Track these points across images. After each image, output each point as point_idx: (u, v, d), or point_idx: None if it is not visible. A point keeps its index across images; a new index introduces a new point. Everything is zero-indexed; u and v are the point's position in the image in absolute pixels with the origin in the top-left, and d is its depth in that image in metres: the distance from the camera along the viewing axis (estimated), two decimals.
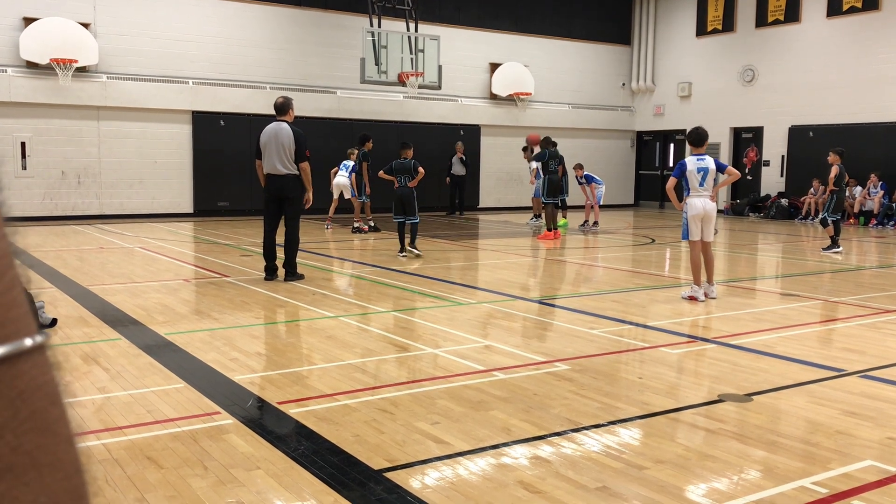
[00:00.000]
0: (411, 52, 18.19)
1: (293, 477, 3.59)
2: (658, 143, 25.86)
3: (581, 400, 4.81)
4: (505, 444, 4.03)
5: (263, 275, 9.52)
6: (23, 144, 17.13)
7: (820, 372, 5.54)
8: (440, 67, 18.50)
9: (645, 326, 7.17)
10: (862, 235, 17.12)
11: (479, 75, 23.00)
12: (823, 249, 13.39)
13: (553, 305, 8.34)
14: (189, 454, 3.85)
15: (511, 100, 23.09)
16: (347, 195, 15.65)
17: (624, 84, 25.81)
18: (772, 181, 22.27)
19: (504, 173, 23.44)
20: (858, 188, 19.40)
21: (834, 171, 13.23)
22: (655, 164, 25.99)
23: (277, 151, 9.11)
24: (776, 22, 21.89)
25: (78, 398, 4.71)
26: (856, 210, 19.46)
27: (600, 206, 17.74)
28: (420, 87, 18.53)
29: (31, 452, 0.53)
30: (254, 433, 4.16)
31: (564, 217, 17.33)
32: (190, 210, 19.13)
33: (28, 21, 16.88)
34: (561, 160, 15.62)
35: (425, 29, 19.27)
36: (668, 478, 3.62)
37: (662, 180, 24.70)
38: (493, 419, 4.42)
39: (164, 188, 18.83)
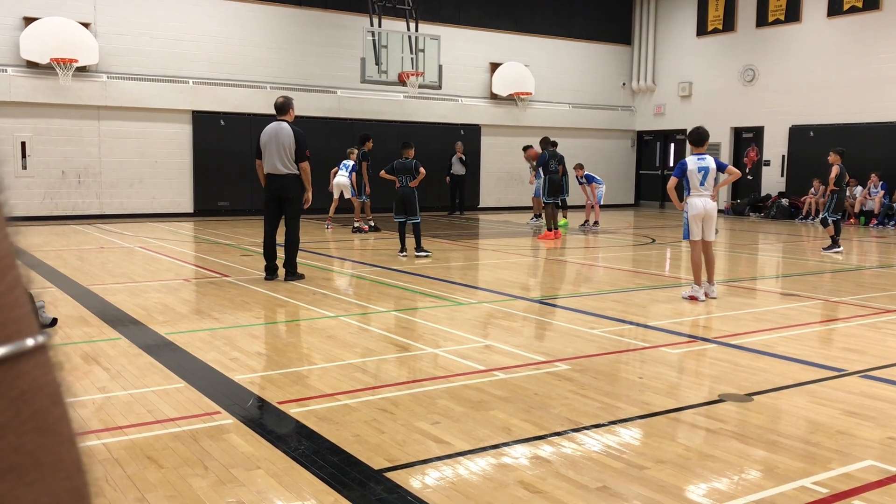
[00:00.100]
0: (412, 52, 18.18)
1: (293, 477, 3.59)
2: (658, 143, 25.85)
3: (581, 400, 4.81)
4: (505, 444, 4.03)
5: (264, 274, 9.52)
6: (23, 144, 17.13)
7: (820, 372, 5.54)
8: (440, 67, 18.50)
9: (645, 326, 7.17)
10: (862, 235, 17.12)
11: (480, 75, 23.00)
12: (824, 249, 13.39)
13: (553, 305, 8.34)
14: (189, 454, 3.85)
15: (511, 99, 23.09)
16: (348, 195, 15.66)
17: (624, 84, 25.81)
18: (772, 181, 22.27)
19: (504, 173, 23.44)
20: (859, 188, 19.40)
21: (834, 170, 13.23)
22: (656, 164, 25.99)
23: (278, 151, 9.11)
24: (777, 22, 21.89)
25: (78, 398, 4.71)
26: (856, 210, 19.45)
27: (601, 206, 17.74)
28: (420, 86, 18.53)
29: (33, 453, 0.53)
30: (254, 433, 4.16)
31: (565, 217, 17.33)
32: (190, 210, 19.14)
33: (28, 21, 16.88)
34: (561, 160, 15.63)
35: (425, 29, 19.27)
36: (669, 478, 3.62)
37: (663, 180, 24.70)
38: (493, 419, 4.42)
39: (165, 188, 18.84)
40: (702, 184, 8.40)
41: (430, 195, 20.31)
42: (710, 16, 23.60)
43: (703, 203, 8.39)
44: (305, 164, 9.22)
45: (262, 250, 9.63)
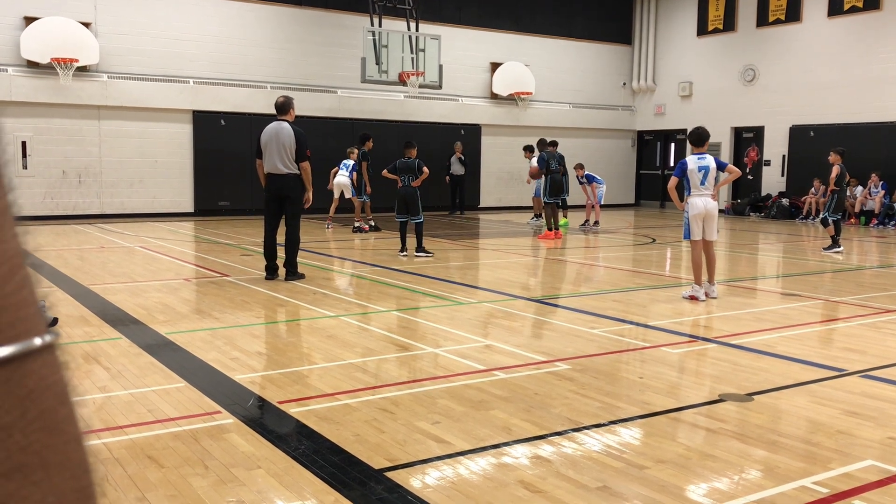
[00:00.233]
0: (412, 52, 18.18)
1: (294, 476, 3.59)
2: (659, 143, 25.85)
3: (582, 399, 4.81)
4: (506, 444, 4.03)
5: (264, 274, 9.52)
6: (24, 144, 17.13)
7: (821, 372, 5.54)
8: (441, 67, 18.50)
9: (646, 326, 7.17)
10: (863, 235, 17.12)
11: (480, 75, 22.99)
12: (824, 249, 13.39)
13: (554, 305, 8.34)
14: (190, 453, 3.85)
15: (512, 99, 23.09)
16: (348, 195, 15.66)
17: (625, 83, 25.81)
18: (773, 181, 22.26)
19: (505, 173, 23.43)
20: (859, 188, 19.39)
21: (835, 170, 13.23)
22: (656, 164, 25.99)
23: (278, 151, 9.11)
24: (777, 21, 21.89)
25: (80, 397, 4.71)
26: (856, 210, 19.45)
27: (601, 206, 17.73)
28: (421, 86, 18.53)
29: (40, 452, 0.53)
30: (254, 432, 4.17)
31: (565, 216, 17.33)
32: (190, 209, 19.14)
33: (29, 20, 16.88)
34: (561, 160, 15.63)
35: (426, 28, 19.27)
36: (669, 477, 3.62)
37: (663, 180, 24.70)
38: (493, 419, 4.42)
39: (165, 187, 18.84)
40: (702, 183, 8.40)
41: (431, 195, 20.28)
42: (710, 15, 23.60)
43: (703, 203, 8.40)
44: (306, 164, 9.23)
45: (262, 250, 9.63)
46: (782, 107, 21.76)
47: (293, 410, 4.55)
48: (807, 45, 21.21)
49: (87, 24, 17.37)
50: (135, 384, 5.03)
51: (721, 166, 8.55)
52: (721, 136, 22.83)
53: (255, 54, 19.57)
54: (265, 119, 10.69)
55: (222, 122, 19.22)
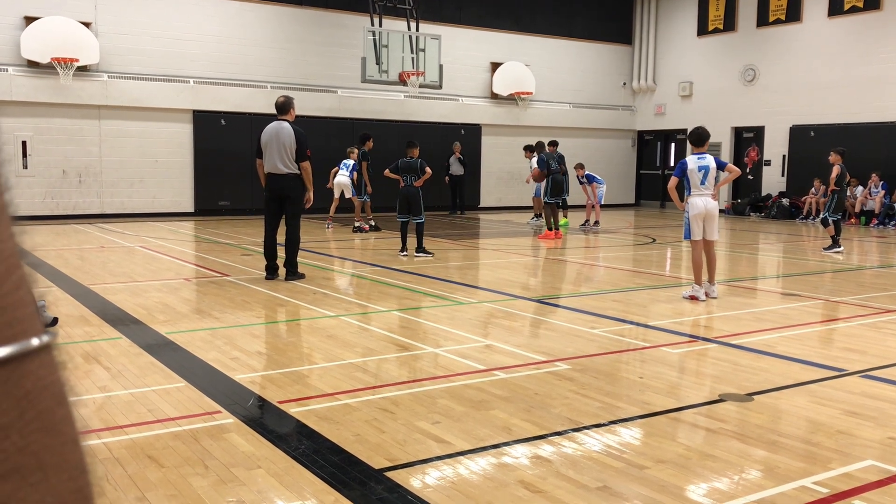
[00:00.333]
0: (412, 52, 18.18)
1: (294, 476, 3.59)
2: (659, 143, 25.85)
3: (582, 399, 4.81)
4: (506, 444, 4.03)
5: (264, 274, 9.52)
6: (24, 143, 17.14)
7: (821, 372, 5.54)
8: (441, 67, 18.50)
9: (646, 326, 7.17)
10: (863, 235, 17.11)
11: (480, 75, 22.99)
12: (824, 249, 13.38)
13: (554, 305, 8.34)
14: (190, 453, 3.85)
15: (512, 99, 23.09)
16: (348, 194, 15.66)
17: (625, 83, 25.81)
18: (773, 181, 22.26)
19: (505, 173, 23.43)
20: (860, 188, 19.39)
21: (835, 170, 13.22)
22: (656, 164, 25.99)
23: (278, 150, 9.11)
24: (777, 21, 21.88)
25: (79, 397, 4.71)
26: (857, 210, 19.45)
27: (601, 206, 17.73)
28: (421, 86, 18.53)
29: (38, 453, 0.53)
30: (255, 432, 4.17)
31: (565, 216, 17.32)
32: (191, 209, 19.14)
33: (29, 20, 16.88)
34: (561, 159, 15.63)
35: (426, 28, 19.27)
36: (669, 477, 3.62)
37: (663, 180, 24.70)
38: (493, 418, 4.42)
39: (165, 187, 18.84)
40: (702, 183, 8.40)
41: (432, 195, 20.27)
42: (710, 15, 23.59)
43: (703, 202, 8.40)
44: (306, 164, 9.23)
45: (262, 250, 9.63)
46: (782, 107, 21.76)
47: (293, 410, 4.55)
48: (807, 45, 21.20)
49: (87, 24, 17.37)
50: (135, 384, 5.03)
51: (721, 166, 8.55)
52: (721, 136, 22.83)
53: (256, 54, 19.57)
54: (265, 119, 10.69)
55: (222, 121, 19.22)
